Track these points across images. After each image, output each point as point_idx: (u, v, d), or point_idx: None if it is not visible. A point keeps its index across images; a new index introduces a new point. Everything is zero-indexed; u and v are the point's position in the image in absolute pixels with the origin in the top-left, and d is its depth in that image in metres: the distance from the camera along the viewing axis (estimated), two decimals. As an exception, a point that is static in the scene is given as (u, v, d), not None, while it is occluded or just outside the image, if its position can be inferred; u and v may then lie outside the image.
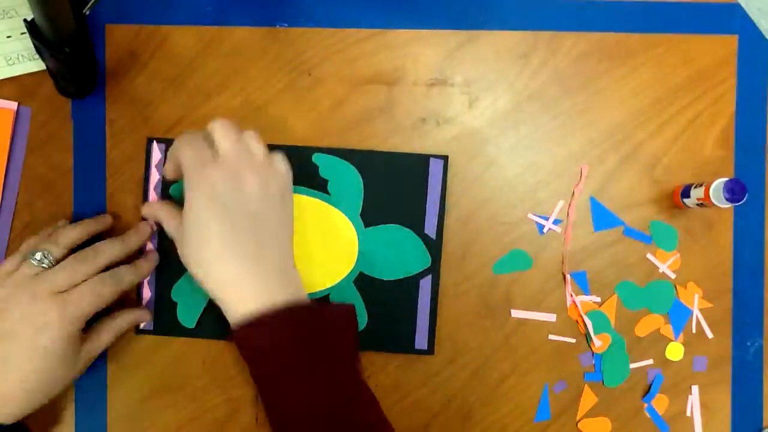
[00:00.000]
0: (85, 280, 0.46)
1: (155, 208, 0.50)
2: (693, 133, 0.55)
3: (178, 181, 0.52)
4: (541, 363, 0.54)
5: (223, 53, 0.54)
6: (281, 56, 0.54)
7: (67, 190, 0.54)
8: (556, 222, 0.55)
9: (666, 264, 0.55)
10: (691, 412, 0.55)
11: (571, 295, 0.54)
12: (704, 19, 0.55)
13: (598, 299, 0.54)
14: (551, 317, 0.54)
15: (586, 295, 0.54)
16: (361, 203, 0.53)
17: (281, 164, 0.48)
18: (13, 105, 0.53)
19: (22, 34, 0.53)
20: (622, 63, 0.55)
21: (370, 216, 0.53)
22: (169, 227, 0.48)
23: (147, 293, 0.53)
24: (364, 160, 0.53)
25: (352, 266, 0.53)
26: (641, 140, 0.55)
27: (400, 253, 0.53)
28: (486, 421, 0.54)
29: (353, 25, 0.54)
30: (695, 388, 0.55)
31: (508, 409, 0.54)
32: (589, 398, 0.54)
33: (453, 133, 0.55)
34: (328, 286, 0.53)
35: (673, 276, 0.55)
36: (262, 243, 0.45)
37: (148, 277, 0.53)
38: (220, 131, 0.46)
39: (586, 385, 0.54)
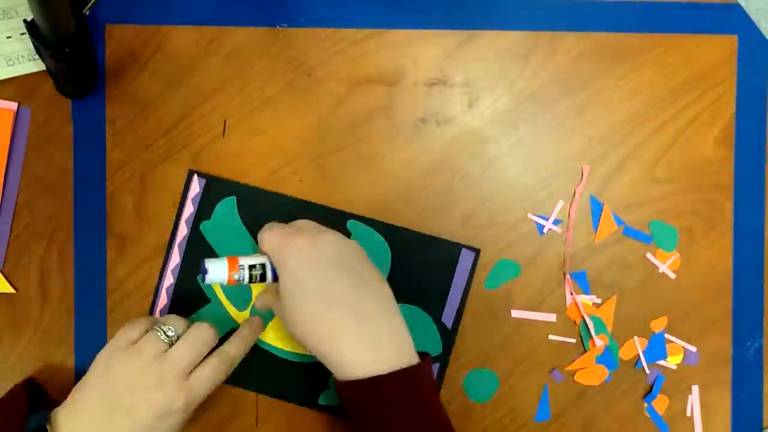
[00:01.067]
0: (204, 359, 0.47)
1: (265, 298, 0.50)
2: (693, 133, 0.55)
3: (211, 218, 0.53)
4: (541, 363, 0.54)
5: (223, 53, 0.54)
6: (281, 56, 0.54)
7: (67, 190, 0.54)
8: (555, 222, 0.55)
9: (666, 264, 0.55)
10: (691, 412, 0.55)
11: (572, 294, 0.54)
12: (704, 19, 0.55)
13: (599, 300, 0.54)
14: (551, 317, 0.54)
15: (587, 294, 0.54)
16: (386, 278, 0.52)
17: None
18: (13, 105, 0.53)
19: (22, 34, 0.53)
20: (622, 63, 0.55)
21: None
22: (276, 308, 0.49)
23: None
24: (397, 236, 0.53)
25: None
26: (641, 140, 0.55)
27: (413, 335, 0.49)
28: (486, 421, 0.54)
29: (353, 25, 0.54)
30: (695, 388, 0.55)
31: (508, 409, 0.54)
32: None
33: (453, 133, 0.55)
34: None
35: (672, 276, 0.55)
36: (362, 291, 0.45)
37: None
38: (300, 222, 0.49)
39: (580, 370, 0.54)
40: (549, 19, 0.55)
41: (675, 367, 0.55)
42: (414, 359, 0.44)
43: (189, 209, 0.53)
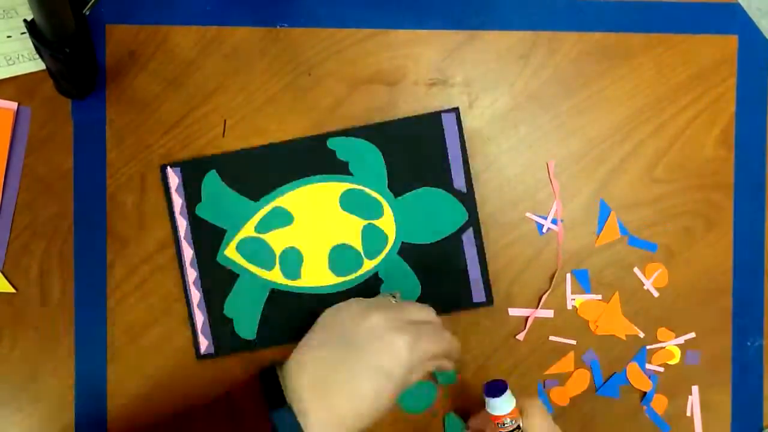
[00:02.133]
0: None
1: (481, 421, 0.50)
2: (693, 133, 0.55)
3: (202, 199, 0.53)
4: (541, 363, 0.54)
5: (223, 53, 0.54)
6: (281, 56, 0.54)
7: (67, 190, 0.54)
8: (554, 221, 0.55)
9: (650, 280, 0.55)
10: (691, 412, 0.55)
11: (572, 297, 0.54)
12: (704, 19, 0.55)
13: (599, 297, 0.55)
14: (549, 313, 0.54)
15: (587, 293, 0.54)
16: (386, 175, 0.53)
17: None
18: (13, 105, 0.53)
19: (22, 34, 0.53)
20: (622, 63, 0.55)
21: (397, 186, 0.53)
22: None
23: (199, 317, 0.53)
24: (377, 132, 0.53)
25: (393, 239, 0.53)
26: (641, 140, 0.55)
27: (436, 214, 0.53)
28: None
29: (354, 25, 0.54)
30: (695, 388, 0.55)
31: (509, 409, 0.54)
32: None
33: (453, 133, 0.55)
34: (374, 264, 0.53)
35: (656, 294, 0.55)
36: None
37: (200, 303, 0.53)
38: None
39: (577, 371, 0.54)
40: (549, 19, 0.55)
41: (675, 367, 0.55)
42: None
43: (178, 201, 0.53)
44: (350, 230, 0.53)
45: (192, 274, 0.53)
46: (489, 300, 0.53)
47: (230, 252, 0.53)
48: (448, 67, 0.55)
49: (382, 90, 0.54)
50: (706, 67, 0.55)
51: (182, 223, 0.53)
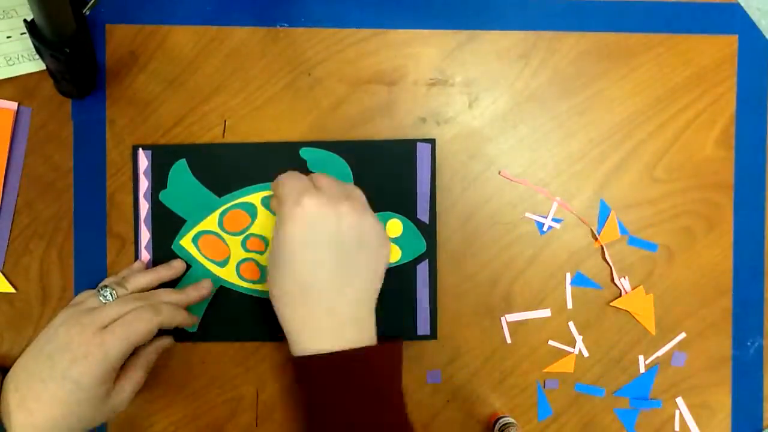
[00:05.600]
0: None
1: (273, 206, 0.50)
2: (693, 133, 0.55)
3: (167, 186, 0.53)
4: (541, 363, 0.54)
5: (223, 53, 0.54)
6: (281, 56, 0.54)
7: (67, 190, 0.54)
8: (555, 221, 0.55)
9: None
10: (690, 413, 0.55)
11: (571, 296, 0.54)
12: (704, 19, 0.55)
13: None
14: (546, 312, 0.54)
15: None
16: None
17: (377, 221, 0.47)
18: (13, 105, 0.53)
19: (22, 34, 0.53)
20: (622, 63, 0.55)
21: None
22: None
23: None
24: (351, 150, 0.53)
25: None
26: (641, 140, 0.55)
27: (394, 240, 0.53)
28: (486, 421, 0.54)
29: (353, 24, 0.54)
30: (695, 389, 0.55)
31: (509, 409, 0.54)
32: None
33: (453, 133, 0.55)
34: None
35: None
36: (345, 284, 0.45)
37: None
38: (322, 177, 0.48)
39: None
40: (549, 19, 0.55)
41: (675, 367, 0.55)
42: (371, 343, 0.46)
43: (144, 184, 0.53)
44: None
45: (145, 258, 0.53)
46: (433, 334, 0.54)
47: (186, 243, 0.53)
48: (448, 67, 0.55)
49: (382, 90, 0.54)
50: (706, 67, 0.55)
51: (144, 206, 0.53)
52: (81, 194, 0.54)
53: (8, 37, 0.53)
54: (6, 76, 0.53)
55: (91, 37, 0.52)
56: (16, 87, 0.53)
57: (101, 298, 0.48)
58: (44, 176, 0.54)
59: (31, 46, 0.50)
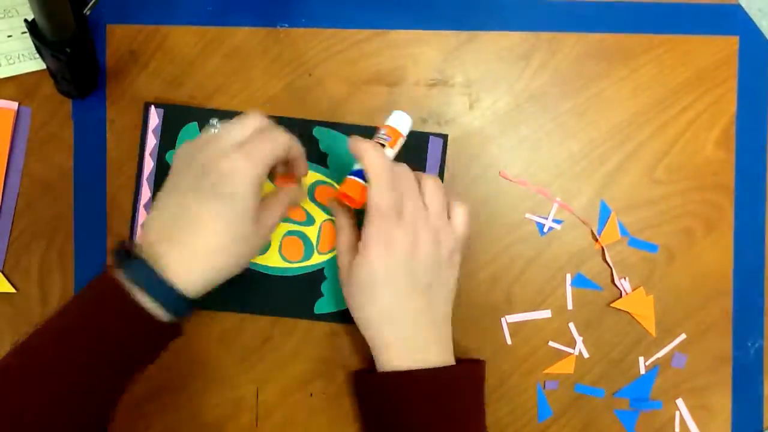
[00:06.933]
0: None
1: (343, 234, 0.50)
2: (693, 134, 0.55)
3: (176, 147, 0.52)
4: (541, 364, 0.54)
5: (223, 53, 0.54)
6: (282, 56, 0.54)
7: (67, 190, 0.54)
8: (555, 222, 0.55)
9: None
10: (690, 414, 0.55)
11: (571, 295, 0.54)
12: (705, 20, 0.55)
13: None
14: (546, 313, 0.54)
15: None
16: None
17: (460, 219, 0.48)
18: (13, 105, 0.53)
19: (22, 33, 0.53)
20: (622, 64, 0.55)
21: None
22: (341, 246, 0.49)
23: None
24: (365, 135, 0.53)
25: None
26: (641, 141, 0.55)
27: None
28: (486, 421, 0.54)
29: (354, 25, 0.54)
30: (695, 389, 0.55)
31: (509, 410, 0.54)
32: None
33: (453, 134, 0.55)
34: (323, 260, 0.53)
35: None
36: (427, 308, 0.46)
37: None
38: (430, 181, 0.48)
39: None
40: (549, 20, 0.55)
41: (674, 368, 0.55)
42: (451, 362, 0.47)
43: (152, 141, 0.53)
44: (310, 220, 0.53)
45: (143, 216, 0.53)
46: None
47: None
48: (448, 68, 0.55)
49: (382, 90, 0.54)
50: (706, 68, 0.55)
51: (149, 165, 0.53)
52: (81, 194, 0.54)
53: (9, 36, 0.53)
54: (6, 76, 0.53)
55: (91, 37, 0.52)
56: (16, 87, 0.53)
57: (213, 130, 0.46)
58: (44, 176, 0.54)
59: (32, 45, 0.50)
